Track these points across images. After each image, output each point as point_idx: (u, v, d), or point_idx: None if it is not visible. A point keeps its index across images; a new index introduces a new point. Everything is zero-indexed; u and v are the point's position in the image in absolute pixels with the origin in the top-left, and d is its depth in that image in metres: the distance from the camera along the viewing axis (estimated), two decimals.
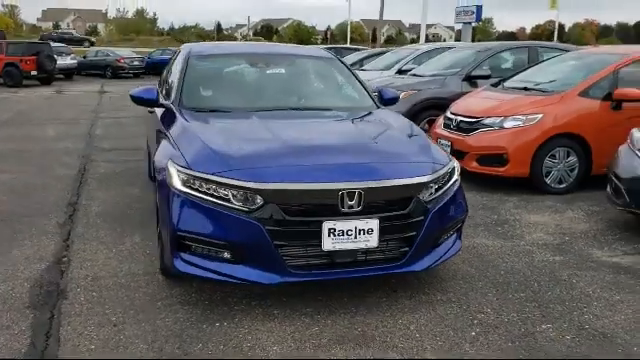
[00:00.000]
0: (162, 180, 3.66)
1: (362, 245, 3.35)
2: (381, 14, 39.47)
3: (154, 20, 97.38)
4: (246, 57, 5.30)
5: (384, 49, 17.65)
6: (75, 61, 28.50)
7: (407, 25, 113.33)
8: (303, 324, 3.36)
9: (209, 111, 4.38)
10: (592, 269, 4.33)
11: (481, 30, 79.90)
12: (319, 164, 3.44)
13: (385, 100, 4.99)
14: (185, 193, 3.40)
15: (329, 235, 3.29)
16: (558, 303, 3.72)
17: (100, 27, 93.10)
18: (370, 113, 4.63)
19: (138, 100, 4.70)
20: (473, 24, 31.09)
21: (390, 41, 70.73)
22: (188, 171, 3.43)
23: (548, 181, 6.53)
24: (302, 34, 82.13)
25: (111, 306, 3.55)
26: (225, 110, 4.43)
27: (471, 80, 8.98)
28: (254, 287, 3.65)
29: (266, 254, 3.28)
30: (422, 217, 3.50)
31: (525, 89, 7.23)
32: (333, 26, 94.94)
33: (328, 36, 70.95)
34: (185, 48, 5.42)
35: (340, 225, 3.29)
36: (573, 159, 6.56)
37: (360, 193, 3.31)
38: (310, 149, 3.64)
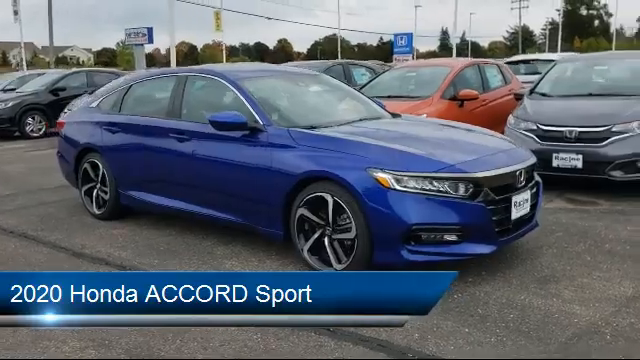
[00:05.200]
0: (354, 185, 4.04)
1: (523, 212, 4.43)
2: (51, 39, 36.71)
3: None
4: (282, 77, 5.57)
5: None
6: None
7: (40, 47, 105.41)
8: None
9: (310, 127, 4.68)
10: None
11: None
12: (497, 152, 4.45)
13: None
14: (406, 192, 3.95)
15: (514, 206, 4.27)
16: None
17: None
18: (412, 119, 5.57)
19: (224, 125, 4.60)
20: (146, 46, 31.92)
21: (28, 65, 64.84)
22: (406, 173, 3.98)
23: None
24: None
25: None
26: (323, 125, 4.74)
27: None
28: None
29: (487, 229, 4.10)
30: (536, 188, 4.73)
31: (389, 97, 8.85)
32: None
33: None
34: (209, 72, 5.32)
35: (519, 198, 4.32)
36: None
37: (524, 172, 4.39)
38: (456, 142, 4.62)
